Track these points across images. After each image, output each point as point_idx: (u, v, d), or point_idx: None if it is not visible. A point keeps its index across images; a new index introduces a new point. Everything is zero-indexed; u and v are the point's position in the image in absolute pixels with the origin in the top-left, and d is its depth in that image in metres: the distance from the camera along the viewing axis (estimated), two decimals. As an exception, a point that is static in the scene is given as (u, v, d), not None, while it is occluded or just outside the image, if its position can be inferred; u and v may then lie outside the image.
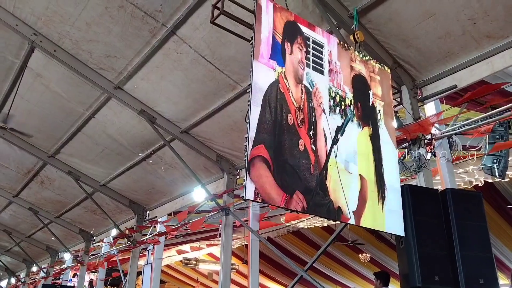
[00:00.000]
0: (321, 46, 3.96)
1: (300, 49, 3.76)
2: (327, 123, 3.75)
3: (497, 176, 5.74)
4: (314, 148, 3.56)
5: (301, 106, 3.59)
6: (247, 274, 8.50)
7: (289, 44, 3.69)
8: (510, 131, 5.39)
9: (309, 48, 3.85)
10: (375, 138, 4.21)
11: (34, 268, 17.02)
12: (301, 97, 3.62)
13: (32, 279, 17.50)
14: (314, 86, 3.75)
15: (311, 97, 3.71)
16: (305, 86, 3.69)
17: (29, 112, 7.74)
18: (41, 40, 5.92)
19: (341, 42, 4.20)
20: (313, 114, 3.67)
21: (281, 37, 3.65)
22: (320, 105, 3.73)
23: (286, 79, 3.56)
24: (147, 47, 5.78)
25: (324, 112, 3.75)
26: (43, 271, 15.67)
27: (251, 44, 3.43)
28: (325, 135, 3.69)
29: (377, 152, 4.17)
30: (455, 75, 4.92)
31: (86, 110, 7.38)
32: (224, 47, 5.48)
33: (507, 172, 6.06)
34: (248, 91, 3.30)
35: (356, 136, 4.00)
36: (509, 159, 5.93)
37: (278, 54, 3.57)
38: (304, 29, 3.87)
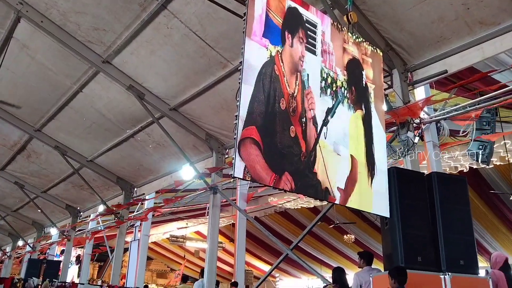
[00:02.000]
0: (315, 26, 3.92)
1: (301, 42, 3.71)
2: (317, 115, 3.71)
3: (482, 162, 5.83)
4: (304, 135, 3.55)
5: (295, 94, 3.56)
6: (234, 252, 8.61)
7: (290, 36, 3.63)
8: (497, 118, 5.45)
9: (308, 32, 3.80)
10: (367, 121, 4.23)
11: (20, 243, 17.00)
12: (295, 83, 3.59)
13: (18, 253, 17.49)
14: (308, 87, 3.71)
15: (304, 95, 3.66)
16: (301, 75, 3.65)
17: (14, 84, 7.58)
18: (27, 10, 5.75)
19: (335, 23, 4.16)
20: (305, 103, 3.64)
21: (279, 21, 3.58)
22: (310, 110, 3.68)
23: (282, 63, 3.52)
24: (137, 21, 5.65)
25: (314, 120, 3.69)
26: (29, 246, 15.66)
27: (244, 20, 3.37)
28: (315, 123, 3.68)
29: (369, 134, 4.19)
30: (446, 60, 4.94)
31: (74, 84, 7.25)
32: (216, 23, 5.39)
33: (492, 159, 6.17)
34: (239, 69, 3.26)
35: (347, 118, 4.01)
36: (494, 146, 6.02)
37: (272, 32, 3.52)
38: (300, 9, 3.80)
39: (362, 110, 4.21)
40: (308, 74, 3.72)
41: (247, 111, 3.18)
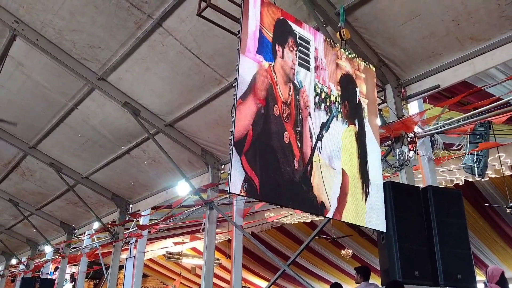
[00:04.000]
0: (308, 43, 3.97)
1: (291, 51, 3.77)
2: (313, 124, 3.76)
3: (477, 175, 5.86)
4: (299, 144, 3.57)
5: (288, 102, 3.60)
6: (231, 269, 8.52)
7: (280, 48, 3.69)
8: (490, 132, 5.50)
9: (300, 48, 3.86)
10: (361, 136, 4.26)
11: (14, 261, 16.73)
12: (288, 94, 3.63)
13: (12, 272, 17.21)
14: (302, 86, 3.76)
15: (299, 96, 3.72)
16: (293, 84, 3.70)
17: (9, 102, 7.57)
18: (23, 28, 5.78)
19: (328, 39, 4.22)
20: (300, 112, 3.68)
21: (271, 36, 3.64)
22: (306, 108, 3.74)
23: (275, 73, 3.56)
24: (132, 39, 5.70)
25: (310, 116, 3.75)
26: (23, 264, 15.42)
27: (238, 38, 3.42)
28: (311, 133, 3.71)
29: (363, 149, 4.21)
30: (438, 75, 5.00)
31: (69, 101, 7.25)
32: (210, 40, 5.44)
33: (486, 172, 6.20)
34: (234, 85, 3.29)
35: (340, 132, 4.04)
36: (488, 159, 6.06)
37: (265, 49, 3.57)
38: (294, 26, 3.87)
39: (355, 125, 4.24)
40: (301, 77, 3.76)
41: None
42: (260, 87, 3.39)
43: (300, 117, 3.67)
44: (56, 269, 14.58)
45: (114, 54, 6.06)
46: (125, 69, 6.28)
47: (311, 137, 3.71)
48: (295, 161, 3.49)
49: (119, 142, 8.08)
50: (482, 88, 5.09)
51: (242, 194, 3.12)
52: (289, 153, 3.47)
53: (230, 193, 3.08)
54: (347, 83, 4.27)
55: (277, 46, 3.66)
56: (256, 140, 3.24)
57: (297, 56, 3.82)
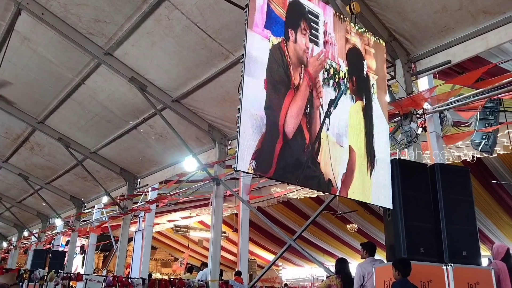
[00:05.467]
0: (317, 17, 3.88)
1: (304, 34, 3.69)
2: (322, 103, 3.72)
3: (485, 152, 5.81)
4: (308, 126, 3.55)
5: (299, 86, 3.55)
6: (237, 242, 8.67)
7: (293, 32, 3.61)
8: (501, 108, 5.41)
9: (311, 23, 3.78)
10: (367, 112, 4.21)
11: (26, 233, 17.16)
12: (299, 76, 3.58)
13: (24, 244, 17.68)
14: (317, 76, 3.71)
15: (312, 83, 3.66)
16: (305, 69, 3.63)
17: (16, 77, 7.57)
18: (28, 2, 5.72)
19: (337, 13, 4.12)
20: (311, 95, 3.64)
21: (280, 11, 3.56)
22: (319, 99, 3.69)
23: (288, 53, 3.51)
24: (138, 12, 5.61)
25: (322, 108, 3.71)
26: (34, 236, 15.81)
27: (245, 12, 3.35)
28: (320, 113, 3.69)
29: (369, 125, 4.18)
30: (449, 51, 4.89)
31: (76, 76, 7.23)
32: (217, 14, 5.35)
33: (495, 148, 6.15)
34: (241, 61, 3.25)
35: (348, 109, 4.00)
36: (498, 135, 6.00)
37: (273, 23, 3.49)
38: (304, 1, 3.78)
39: (363, 100, 4.19)
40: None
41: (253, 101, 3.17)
42: (271, 66, 3.35)
43: (311, 99, 3.62)
44: (67, 242, 14.94)
45: (120, 29, 5.99)
46: (131, 43, 6.22)
47: (320, 116, 3.68)
48: (304, 146, 3.48)
49: (126, 118, 8.09)
50: (496, 64, 4.96)
51: (249, 171, 3.13)
52: (300, 137, 3.45)
53: (237, 170, 3.09)
54: (354, 57, 4.20)
55: (289, 30, 3.59)
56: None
57: (309, 37, 3.75)
